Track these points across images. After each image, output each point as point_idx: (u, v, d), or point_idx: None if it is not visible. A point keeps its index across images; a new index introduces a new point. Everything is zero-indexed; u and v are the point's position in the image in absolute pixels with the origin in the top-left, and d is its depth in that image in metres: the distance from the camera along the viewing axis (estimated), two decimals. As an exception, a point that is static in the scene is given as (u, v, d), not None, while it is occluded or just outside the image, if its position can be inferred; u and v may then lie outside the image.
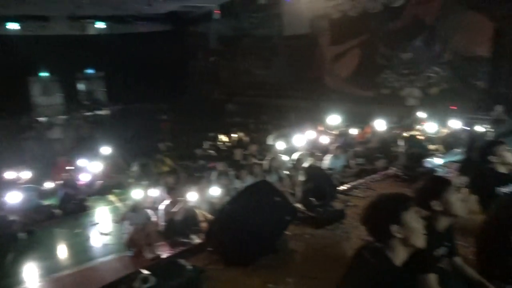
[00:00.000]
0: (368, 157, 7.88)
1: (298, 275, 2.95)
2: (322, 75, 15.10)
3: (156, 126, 12.70)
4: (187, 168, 8.55)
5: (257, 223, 3.10)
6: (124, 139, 9.45)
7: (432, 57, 11.96)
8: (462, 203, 2.28)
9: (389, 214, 1.72)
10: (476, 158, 3.27)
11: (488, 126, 5.44)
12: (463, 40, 11.14)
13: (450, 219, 2.31)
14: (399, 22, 12.48)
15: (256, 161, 7.90)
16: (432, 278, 2.18)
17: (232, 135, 11.17)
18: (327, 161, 7.61)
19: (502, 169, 3.05)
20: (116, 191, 6.66)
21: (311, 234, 3.60)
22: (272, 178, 7.01)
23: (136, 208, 4.99)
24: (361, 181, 5.10)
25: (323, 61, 15.06)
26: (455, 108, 10.33)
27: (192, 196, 6.25)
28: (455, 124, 7.62)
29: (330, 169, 7.37)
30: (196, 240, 4.42)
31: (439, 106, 11.14)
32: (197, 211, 5.65)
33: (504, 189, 3.00)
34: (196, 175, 7.65)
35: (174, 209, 5.45)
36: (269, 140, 9.72)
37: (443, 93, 11.75)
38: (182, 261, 2.89)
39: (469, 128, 6.74)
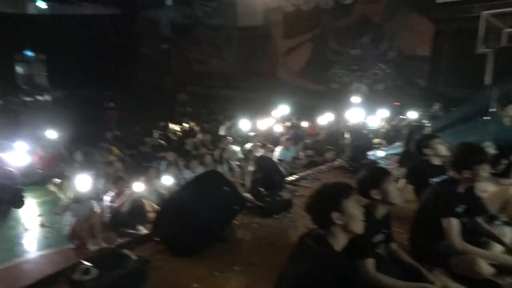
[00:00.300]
0: (317, 149, 8.13)
1: (244, 263, 2.99)
2: (275, 67, 15.28)
3: (102, 114, 12.13)
4: (135, 158, 8.30)
5: (205, 212, 3.09)
6: (67, 127, 8.93)
7: (379, 54, 12.54)
8: (398, 192, 2.42)
9: (330, 202, 1.79)
10: (413, 151, 3.49)
11: (426, 121, 5.81)
12: (406, 39, 11.79)
13: (387, 207, 2.46)
14: (349, 19, 12.91)
15: (207, 151, 7.87)
16: (370, 262, 2.31)
17: (184, 125, 11.00)
18: (277, 153, 7.76)
19: (436, 161, 3.28)
20: (57, 180, 6.30)
21: (259, 223, 3.66)
22: (223, 169, 7.03)
23: (79, 199, 4.76)
24: (309, 172, 5.25)
25: (276, 54, 15.22)
26: (398, 104, 10.95)
27: (139, 187, 6.10)
28: (398, 119, 8.08)
29: (280, 160, 7.53)
30: (144, 231, 4.32)
31: (383, 102, 11.72)
32: (144, 201, 5.53)
33: (437, 180, 3.24)
34: (145, 165, 7.46)
35: (120, 200, 5.28)
36: (221, 131, 9.70)
37: (388, 89, 12.39)
38: (126, 252, 2.81)
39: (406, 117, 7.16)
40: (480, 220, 2.79)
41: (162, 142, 9.30)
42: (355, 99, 10.72)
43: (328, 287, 1.55)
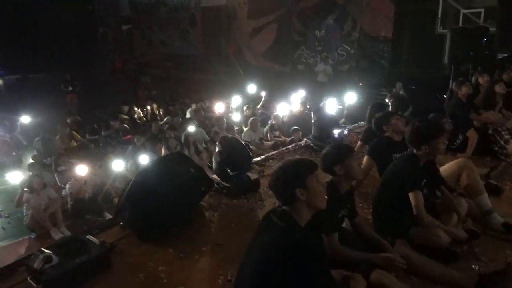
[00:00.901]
0: (284, 130, 8.18)
1: (212, 243, 2.99)
2: (241, 49, 15.10)
3: (61, 98, 11.59)
4: (97, 143, 8.03)
5: (170, 195, 3.04)
6: (22, 112, 8.47)
7: (343, 35, 12.66)
8: (360, 168, 2.48)
9: (294, 178, 1.79)
10: (375, 129, 3.57)
11: (388, 101, 5.95)
12: (369, 20, 11.95)
13: (350, 182, 2.52)
14: (313, 0, 12.90)
15: (173, 134, 7.74)
16: (335, 236, 2.37)
17: (148, 108, 10.70)
18: (245, 134, 7.75)
19: (397, 138, 3.38)
20: (13, 169, 5.99)
21: (227, 204, 3.66)
22: (189, 151, 6.94)
23: (34, 188, 4.56)
24: (275, 152, 5.27)
25: (241, 35, 15.03)
26: (362, 84, 11.18)
27: (103, 172, 5.93)
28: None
29: (247, 141, 7.53)
30: (109, 216, 4.22)
31: (348, 82, 11.92)
32: (109, 186, 5.39)
33: (398, 155, 3.34)
34: (108, 150, 7.24)
35: (83, 186, 5.12)
36: (187, 114, 9.54)
37: (352, 70, 12.59)
38: (89, 238, 2.73)
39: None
40: (438, 192, 2.91)
41: (126, 126, 9.04)
42: (320, 78, 10.82)
43: (293, 262, 1.57)
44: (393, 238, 2.62)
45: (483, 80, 5.82)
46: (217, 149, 3.91)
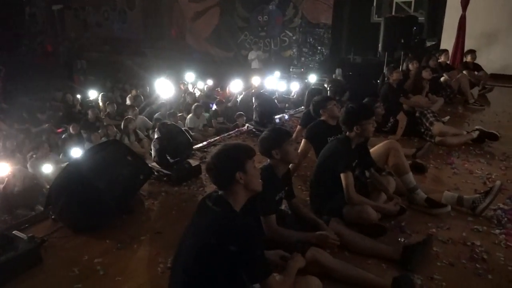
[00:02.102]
0: (228, 115, 8.18)
1: (152, 232, 2.94)
2: (183, 33, 14.71)
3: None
4: (28, 133, 7.47)
5: (106, 184, 2.92)
6: None
7: (285, 22, 12.81)
8: (297, 152, 2.55)
9: (235, 162, 1.79)
10: (313, 113, 3.68)
11: (327, 86, 6.14)
12: (310, 7, 12.19)
13: (287, 166, 2.59)
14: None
15: (112, 122, 7.42)
16: (272, 218, 2.43)
17: (86, 94, 10.12)
18: (188, 120, 7.63)
19: (332, 122, 3.52)
20: None
21: (167, 192, 3.59)
22: (130, 139, 6.71)
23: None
24: (217, 138, 5.25)
25: (183, 19, 14.62)
26: (303, 70, 11.44)
27: (34, 164, 5.56)
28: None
29: (191, 128, 7.43)
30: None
31: (291, 68, 12.12)
32: (42, 178, 5.07)
33: (333, 138, 3.48)
34: (41, 140, 6.77)
35: (11, 179, 4.76)
36: (127, 100, 9.17)
37: (294, 56, 12.82)
38: (16, 233, 2.56)
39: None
40: (369, 172, 3.09)
41: (60, 113, 8.49)
42: (254, 65, 10.89)
43: (227, 247, 1.58)
44: (328, 217, 2.74)
45: (412, 66, 6.20)
46: (155, 136, 3.80)
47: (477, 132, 4.58)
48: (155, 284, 2.37)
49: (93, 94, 9.68)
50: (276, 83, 9.35)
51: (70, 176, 2.90)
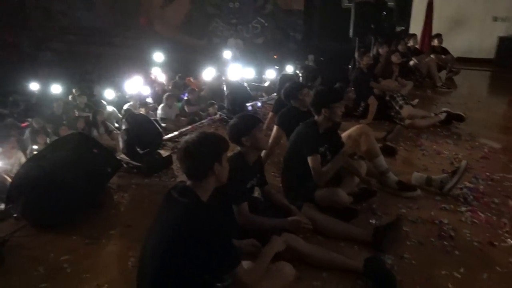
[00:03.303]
0: (200, 104, 8.05)
1: (122, 226, 2.85)
2: (152, 21, 14.32)
3: None
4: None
5: (71, 178, 2.80)
6: None
7: (257, 8, 12.67)
8: (267, 138, 2.51)
9: (214, 153, 1.73)
10: (284, 99, 3.65)
11: (299, 72, 6.14)
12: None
13: (258, 153, 2.55)
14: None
15: (80, 114, 7.16)
16: (244, 206, 2.40)
17: (52, 86, 9.68)
18: (160, 111, 7.46)
19: (303, 108, 3.50)
20: None
21: (138, 184, 3.50)
22: (99, 131, 6.51)
23: None
24: (189, 127, 5.16)
25: (151, 7, 14.22)
26: (276, 57, 11.39)
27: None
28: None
29: (163, 118, 7.27)
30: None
31: (264, 55, 12.04)
32: (4, 175, 4.83)
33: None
34: (3, 135, 6.45)
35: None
36: (95, 91, 8.88)
37: (267, 43, 12.73)
38: (-27, 234, 2.43)
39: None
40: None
41: (23, 107, 8.13)
42: (227, 53, 10.75)
43: (195, 239, 1.54)
44: (301, 202, 2.73)
45: (382, 51, 6.26)
46: (123, 127, 3.68)
47: (444, 114, 4.69)
48: (125, 278, 2.30)
49: (57, 87, 9.28)
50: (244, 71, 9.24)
51: (32, 172, 2.76)
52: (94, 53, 14.15)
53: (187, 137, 1.76)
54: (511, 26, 8.73)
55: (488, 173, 3.47)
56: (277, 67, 8.85)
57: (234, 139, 2.44)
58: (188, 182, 1.72)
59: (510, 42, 8.51)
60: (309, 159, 2.75)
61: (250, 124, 2.42)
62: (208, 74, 9.26)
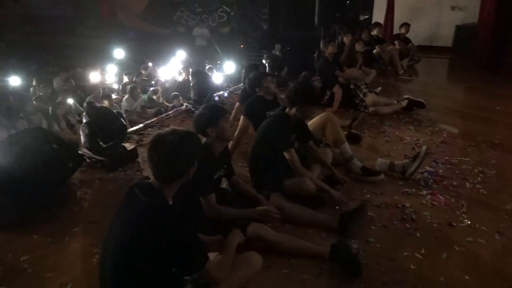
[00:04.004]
0: (166, 95, 7.89)
1: (85, 222, 2.76)
2: (114, 10, 13.80)
3: None
4: None
5: (29, 175, 2.67)
6: None
7: (222, -4, 12.48)
8: (232, 129, 2.49)
9: (193, 156, 1.65)
10: (249, 89, 3.64)
11: (265, 62, 6.12)
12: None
13: (224, 143, 2.53)
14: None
15: (44, 106, 6.82)
16: (212, 197, 2.38)
17: (10, 78, 9.14)
18: (125, 103, 7.25)
19: (269, 97, 3.50)
20: None
21: (101, 179, 3.39)
22: (61, 126, 6.25)
23: None
24: (154, 119, 5.05)
25: (112, -6, 13.70)
26: (243, 46, 11.30)
27: None
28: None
29: (128, 110, 7.08)
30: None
31: (230, 45, 11.93)
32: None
33: (272, 113, 3.47)
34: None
35: None
36: (55, 84, 8.49)
37: (233, 32, 12.60)
38: None
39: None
40: (308, 144, 3.13)
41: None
42: (198, 42, 10.58)
43: (158, 239, 1.48)
44: (269, 191, 2.75)
45: (347, 39, 6.36)
46: (84, 120, 3.54)
47: (406, 101, 4.84)
48: (90, 276, 2.24)
49: (15, 80, 8.79)
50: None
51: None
52: (53, 44, 13.51)
53: (162, 136, 1.59)
54: (468, 15, 9.08)
55: (447, 157, 3.63)
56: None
57: (200, 130, 2.41)
58: (153, 180, 1.61)
59: (466, 30, 8.86)
60: (286, 154, 2.80)
61: (216, 115, 2.40)
62: (173, 64, 9.07)
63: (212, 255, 1.89)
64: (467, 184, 3.16)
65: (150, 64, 9.65)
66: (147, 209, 1.53)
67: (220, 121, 2.38)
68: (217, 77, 7.50)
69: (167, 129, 1.67)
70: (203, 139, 2.46)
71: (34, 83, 8.11)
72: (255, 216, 2.41)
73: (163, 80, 8.55)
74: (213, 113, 2.41)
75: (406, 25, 7.59)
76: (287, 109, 2.91)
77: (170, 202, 1.65)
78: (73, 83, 8.46)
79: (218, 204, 2.41)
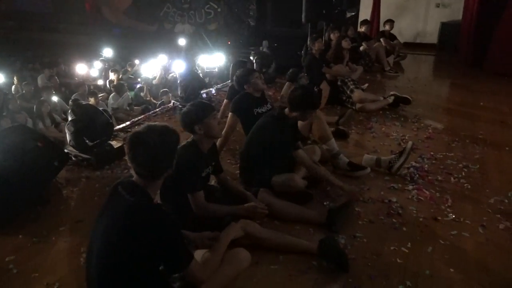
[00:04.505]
0: (153, 92, 7.84)
1: (72, 221, 2.73)
2: (99, 6, 13.60)
3: None
4: None
5: (13, 174, 2.63)
6: None
7: (209, -8, 12.39)
8: (220, 126, 2.48)
9: (174, 153, 1.65)
10: (237, 86, 3.62)
11: (253, 58, 6.11)
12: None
13: (211, 140, 2.52)
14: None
15: (23, 106, 6.70)
16: (200, 194, 2.38)
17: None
18: (111, 100, 7.18)
19: (256, 94, 3.50)
20: None
21: (88, 177, 3.35)
22: (46, 124, 6.16)
23: None
24: (141, 116, 5.00)
25: (97, -10, 13.48)
26: (230, 43, 11.25)
27: None
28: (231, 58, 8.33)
29: (114, 108, 7.01)
30: None
31: (217, 41, 11.87)
32: None
33: (260, 110, 3.48)
34: None
35: None
36: (39, 81, 8.34)
37: (220, 29, 12.53)
38: None
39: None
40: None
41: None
42: (181, 40, 10.50)
43: (144, 240, 1.47)
44: (257, 188, 2.76)
45: (334, 36, 6.38)
46: (69, 118, 3.49)
47: (392, 98, 4.90)
48: (77, 275, 2.21)
49: (1, 75, 8.60)
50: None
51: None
52: (36, 40, 13.25)
53: (142, 135, 1.58)
54: (452, 12, 9.21)
55: (432, 153, 3.69)
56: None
57: (187, 127, 2.40)
58: (137, 179, 1.59)
59: (451, 27, 8.98)
60: (296, 155, 2.86)
61: (203, 112, 2.39)
62: (159, 61, 9.00)
63: (200, 253, 1.90)
64: (452, 178, 3.22)
65: (136, 61, 9.54)
66: (132, 208, 1.52)
67: (207, 118, 2.38)
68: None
69: (142, 126, 1.66)
70: (191, 137, 2.45)
71: (15, 81, 7.95)
72: (243, 213, 2.42)
73: (150, 77, 8.49)
74: (200, 110, 2.40)
75: (390, 21, 7.66)
76: (286, 111, 2.92)
77: (156, 200, 1.65)
78: (58, 80, 8.34)
79: (207, 202, 2.41)
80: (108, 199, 1.62)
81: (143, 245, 1.47)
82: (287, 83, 5.18)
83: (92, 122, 3.40)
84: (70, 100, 6.64)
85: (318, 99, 3.06)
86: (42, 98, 6.45)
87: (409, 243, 2.41)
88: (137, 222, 1.50)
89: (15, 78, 8.04)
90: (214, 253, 1.88)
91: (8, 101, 6.64)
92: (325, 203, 2.86)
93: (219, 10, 12.46)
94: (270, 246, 2.32)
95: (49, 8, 14.36)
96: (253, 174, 2.91)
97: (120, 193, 1.56)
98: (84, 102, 3.93)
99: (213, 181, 2.79)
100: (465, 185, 3.13)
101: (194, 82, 5.06)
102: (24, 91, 7.37)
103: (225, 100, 4.35)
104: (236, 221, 2.29)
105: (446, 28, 9.22)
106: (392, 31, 7.70)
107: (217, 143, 3.40)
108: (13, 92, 7.62)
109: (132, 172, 1.61)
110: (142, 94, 7.47)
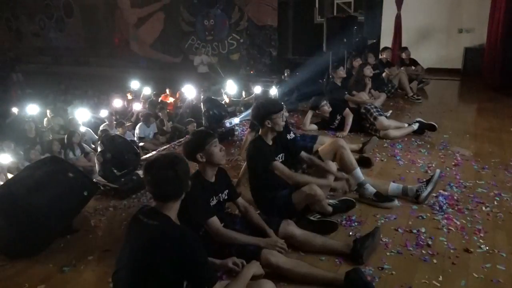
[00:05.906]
0: (179, 122, 8.03)
1: (99, 251, 2.78)
2: (127, 40, 14.28)
3: None
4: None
5: (45, 204, 2.72)
6: None
7: (231, 25, 12.83)
8: (222, 153, 2.47)
9: (176, 175, 1.70)
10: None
11: (275, 87, 6.22)
12: (255, 10, 12.30)
13: (215, 167, 2.47)
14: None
15: (54, 136, 7.00)
16: (214, 221, 2.35)
17: (28, 107, 9.42)
18: (138, 130, 7.40)
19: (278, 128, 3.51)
20: None
21: (115, 206, 3.43)
22: (76, 154, 6.37)
23: None
24: (166, 146, 5.12)
25: (125, 25, 14.19)
26: (253, 72, 11.51)
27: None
28: (256, 88, 8.48)
29: (141, 137, 7.21)
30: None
31: (240, 71, 12.18)
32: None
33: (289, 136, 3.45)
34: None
35: None
36: (70, 112, 8.72)
37: (243, 58, 12.87)
38: None
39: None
40: (301, 156, 3.10)
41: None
42: (201, 69, 10.82)
43: (169, 261, 1.51)
44: (279, 219, 2.70)
45: (356, 63, 6.43)
46: (99, 149, 3.62)
47: (417, 124, 4.83)
48: (104, 305, 2.25)
49: (33, 108, 9.06)
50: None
51: (3, 199, 2.67)
52: (69, 73, 13.96)
53: (152, 159, 1.77)
54: (475, 37, 9.13)
55: (461, 181, 3.58)
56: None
57: (189, 156, 2.38)
58: (155, 204, 1.71)
59: (475, 52, 8.89)
60: (273, 169, 2.78)
61: (203, 140, 2.38)
62: (187, 90, 9.26)
63: (222, 285, 1.89)
64: (483, 208, 3.10)
65: (153, 93, 9.85)
66: (155, 230, 1.59)
67: (207, 145, 2.36)
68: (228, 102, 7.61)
69: (154, 154, 1.83)
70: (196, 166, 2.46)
71: (48, 114, 8.34)
72: (263, 245, 2.38)
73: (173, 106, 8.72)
74: (200, 138, 2.41)
75: (405, 49, 7.67)
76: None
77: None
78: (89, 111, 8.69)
79: (227, 228, 2.40)
80: (129, 228, 1.68)
81: (169, 265, 1.51)
82: (309, 111, 5.21)
83: (120, 152, 3.52)
84: (99, 130, 6.92)
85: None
86: (73, 129, 6.71)
87: (441, 276, 2.31)
88: (161, 243, 1.55)
89: (48, 111, 8.43)
90: (234, 285, 1.87)
91: (42, 133, 6.98)
92: (350, 233, 2.80)
93: (241, 40, 12.84)
94: (294, 277, 2.28)
95: (79, 43, 15.18)
96: (266, 202, 2.88)
97: (141, 220, 1.64)
98: (112, 133, 4.07)
99: (236, 211, 2.79)
100: (498, 214, 3.00)
101: (217, 111, 5.17)
102: (52, 124, 7.71)
103: (248, 129, 4.40)
104: (260, 251, 2.28)
105: (470, 53, 9.11)
106: (414, 57, 7.68)
107: (241, 171, 3.44)
108: (44, 124, 7.99)
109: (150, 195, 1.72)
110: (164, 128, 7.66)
